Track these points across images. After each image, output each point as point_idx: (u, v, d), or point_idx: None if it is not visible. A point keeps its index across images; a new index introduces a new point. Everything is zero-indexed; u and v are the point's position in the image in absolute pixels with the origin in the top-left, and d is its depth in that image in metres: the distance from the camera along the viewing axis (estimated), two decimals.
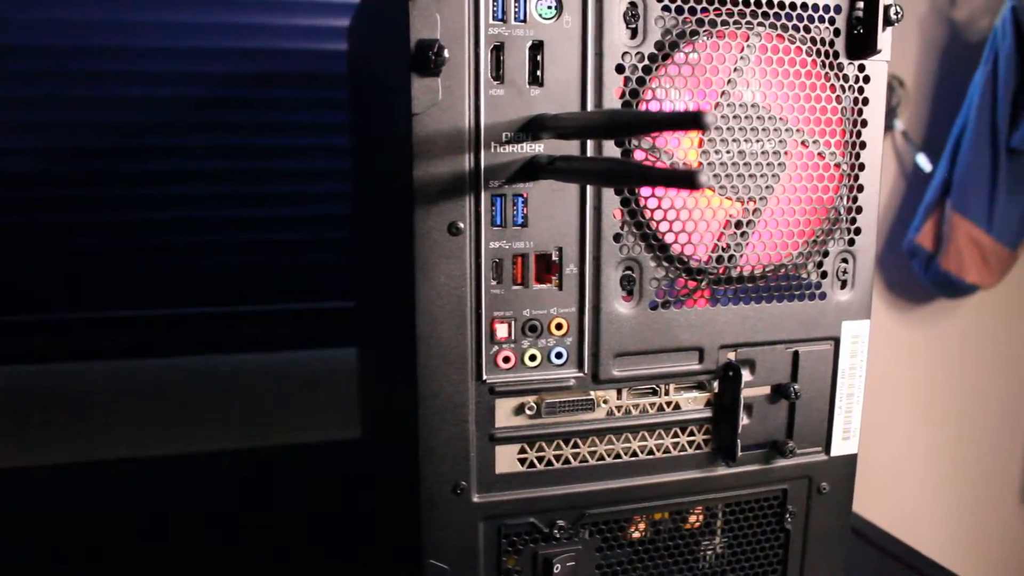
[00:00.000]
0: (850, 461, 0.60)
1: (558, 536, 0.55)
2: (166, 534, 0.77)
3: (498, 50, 0.49)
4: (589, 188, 0.51)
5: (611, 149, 0.51)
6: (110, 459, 0.93)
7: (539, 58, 0.50)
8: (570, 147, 0.50)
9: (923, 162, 1.18)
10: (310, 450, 0.96)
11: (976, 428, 1.31)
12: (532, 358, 0.52)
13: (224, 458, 0.94)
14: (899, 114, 1.18)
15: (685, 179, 0.35)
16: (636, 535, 0.58)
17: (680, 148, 0.52)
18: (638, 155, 0.51)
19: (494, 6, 0.49)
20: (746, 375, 0.56)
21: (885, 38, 0.55)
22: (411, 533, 0.54)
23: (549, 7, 0.50)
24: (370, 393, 0.80)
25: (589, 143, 0.51)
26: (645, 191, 0.52)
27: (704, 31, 0.52)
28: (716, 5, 0.52)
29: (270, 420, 0.99)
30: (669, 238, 0.53)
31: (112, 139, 0.91)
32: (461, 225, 0.50)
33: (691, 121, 0.34)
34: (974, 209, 1.09)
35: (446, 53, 0.47)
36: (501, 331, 0.52)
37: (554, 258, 0.52)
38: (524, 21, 0.49)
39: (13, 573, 0.70)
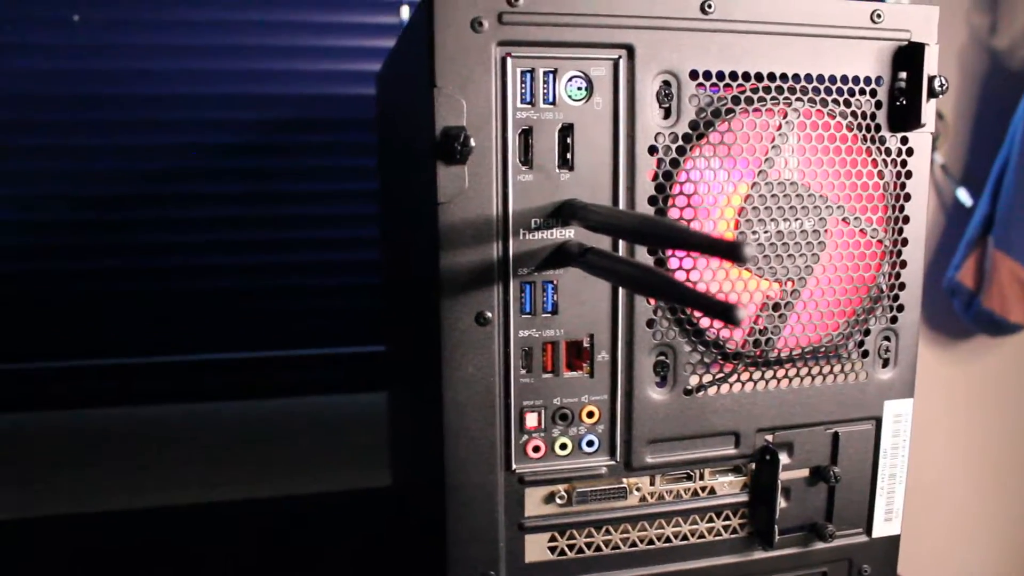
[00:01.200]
0: (892, 542, 0.58)
1: None
2: None
3: (526, 134, 0.48)
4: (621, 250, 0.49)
5: None
6: (134, 508, 0.93)
7: (569, 141, 0.48)
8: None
9: (964, 197, 1.15)
10: (336, 500, 0.95)
11: (1019, 470, 1.27)
12: (563, 447, 0.51)
13: (244, 508, 0.94)
14: (938, 147, 1.15)
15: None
16: None
17: (716, 230, 0.50)
18: None
19: (522, 89, 0.47)
20: (784, 458, 0.54)
21: (929, 110, 0.52)
22: None
23: (579, 88, 0.48)
24: (400, 442, 0.79)
25: None
26: (679, 274, 0.50)
27: (740, 108, 0.50)
28: (753, 81, 0.50)
29: (296, 468, 0.98)
30: (704, 322, 0.51)
31: (136, 186, 0.91)
32: (489, 315, 0.48)
33: (728, 251, 0.32)
34: (1018, 247, 1.05)
35: (472, 142, 0.46)
36: (531, 420, 0.50)
37: (585, 345, 0.50)
38: (553, 104, 0.48)
39: None
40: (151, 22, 0.89)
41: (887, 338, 0.55)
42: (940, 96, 0.52)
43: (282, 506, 0.94)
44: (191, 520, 0.91)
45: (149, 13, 0.89)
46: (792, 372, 0.54)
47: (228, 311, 0.95)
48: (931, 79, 0.52)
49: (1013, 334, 1.15)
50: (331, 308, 0.97)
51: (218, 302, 0.94)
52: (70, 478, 0.94)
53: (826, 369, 0.54)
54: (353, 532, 0.87)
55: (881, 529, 0.58)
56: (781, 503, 0.55)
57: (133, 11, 0.89)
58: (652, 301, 0.50)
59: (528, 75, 0.47)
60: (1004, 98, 1.11)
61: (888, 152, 0.53)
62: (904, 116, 0.53)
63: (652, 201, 0.49)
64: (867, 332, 0.55)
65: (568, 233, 0.49)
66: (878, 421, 0.56)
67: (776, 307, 0.52)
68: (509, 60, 0.47)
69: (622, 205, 0.49)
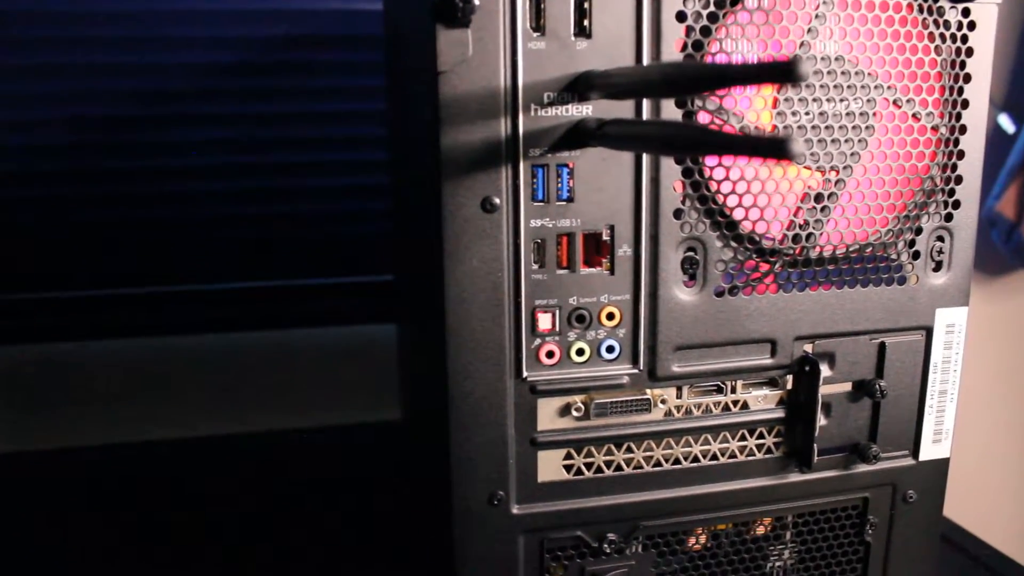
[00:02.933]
0: (941, 466, 0.53)
1: (608, 551, 0.48)
2: (199, 526, 0.72)
3: None
4: (645, 157, 0.44)
5: (670, 112, 0.43)
6: (141, 440, 0.89)
7: (586, 5, 0.43)
8: (622, 109, 0.43)
9: (1006, 123, 1.08)
10: (346, 432, 0.91)
11: None
12: (580, 352, 0.46)
13: (252, 440, 0.90)
14: None
15: (772, 148, 0.27)
16: (696, 547, 0.51)
17: (751, 109, 0.45)
18: (702, 118, 0.44)
19: None
20: (824, 370, 0.49)
21: None
22: (444, 546, 0.48)
23: None
24: (409, 374, 0.74)
25: (645, 105, 0.43)
26: (711, 160, 0.44)
27: None
28: None
29: (305, 399, 0.94)
30: (739, 214, 0.45)
31: (140, 108, 0.86)
32: (497, 201, 0.43)
33: (781, 72, 0.26)
34: None
35: (476, 0, 0.40)
36: (544, 322, 0.45)
37: (605, 237, 0.45)
38: None
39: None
40: None
41: (940, 238, 0.50)
42: None
43: (288, 439, 0.90)
44: (197, 453, 0.87)
45: None
46: (835, 274, 0.48)
47: (234, 238, 0.90)
48: None
49: None
50: (342, 234, 0.91)
51: (223, 229, 0.89)
52: (68, 412, 0.90)
53: (873, 271, 0.49)
54: (361, 467, 0.83)
55: (929, 451, 0.52)
56: (821, 420, 0.49)
57: None
58: (679, 187, 0.44)
59: None
60: None
61: (947, 25, 0.47)
62: None
63: None
64: (919, 231, 0.49)
65: (586, 109, 0.43)
66: (929, 331, 0.51)
67: (819, 198, 0.46)
68: None
69: None
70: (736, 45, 0.44)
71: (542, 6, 0.42)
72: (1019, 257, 1.06)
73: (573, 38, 0.43)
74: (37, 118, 0.85)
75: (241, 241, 0.90)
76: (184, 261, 0.90)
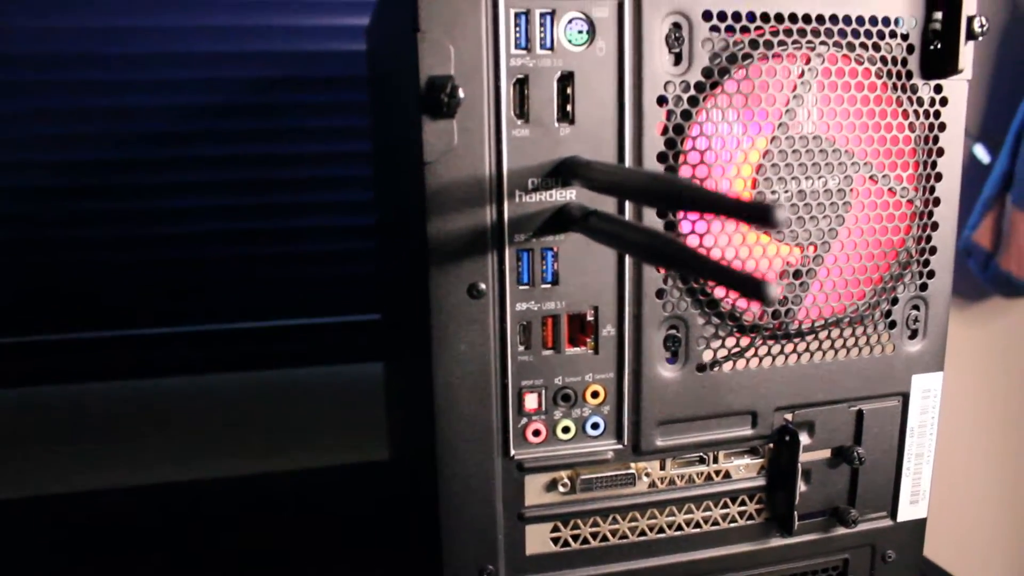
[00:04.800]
0: (918, 526, 0.54)
1: None
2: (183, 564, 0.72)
3: (522, 84, 0.43)
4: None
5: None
6: (128, 486, 0.89)
7: (569, 91, 0.43)
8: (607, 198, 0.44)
9: (981, 154, 1.10)
10: (333, 475, 0.91)
11: None
12: (565, 430, 0.47)
13: (238, 484, 0.90)
14: None
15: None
16: None
17: (731, 190, 0.45)
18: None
19: (516, 33, 0.42)
20: (804, 438, 0.50)
21: (967, 54, 0.47)
22: None
23: (580, 32, 0.43)
24: (396, 415, 0.75)
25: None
26: (692, 239, 0.45)
27: (758, 54, 0.45)
28: (772, 23, 0.45)
29: (292, 442, 0.94)
30: (719, 292, 0.46)
31: (126, 151, 0.85)
32: (483, 286, 0.44)
33: (758, 215, 0.27)
34: None
35: (461, 93, 0.41)
36: (530, 402, 0.46)
37: (589, 318, 0.46)
38: (551, 49, 0.43)
39: None
40: None
41: (916, 307, 0.51)
42: (980, 39, 0.47)
43: (278, 482, 0.90)
44: (185, 498, 0.87)
45: None
46: (814, 345, 0.49)
47: (221, 280, 0.90)
48: (970, 19, 0.47)
49: None
50: (328, 276, 0.91)
51: (210, 271, 0.89)
52: (57, 456, 0.90)
53: (850, 341, 0.50)
54: (351, 509, 0.83)
55: (907, 512, 0.53)
56: (801, 487, 0.50)
57: None
58: (663, 270, 0.45)
59: (523, 17, 0.42)
60: (1023, 51, 1.06)
61: (920, 102, 0.48)
62: (939, 61, 0.48)
63: (662, 157, 0.44)
64: (895, 301, 0.50)
65: (569, 194, 0.44)
66: (905, 397, 0.52)
67: (797, 275, 0.47)
68: (501, 1, 0.42)
69: (628, 162, 0.44)
70: (716, 129, 0.45)
71: (526, 94, 0.43)
72: (996, 285, 1.08)
73: (556, 124, 0.43)
74: (25, 161, 0.85)
75: (229, 282, 0.90)
76: (171, 303, 0.89)
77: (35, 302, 0.87)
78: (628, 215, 0.44)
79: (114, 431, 0.91)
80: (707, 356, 0.47)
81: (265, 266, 0.90)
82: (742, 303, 0.47)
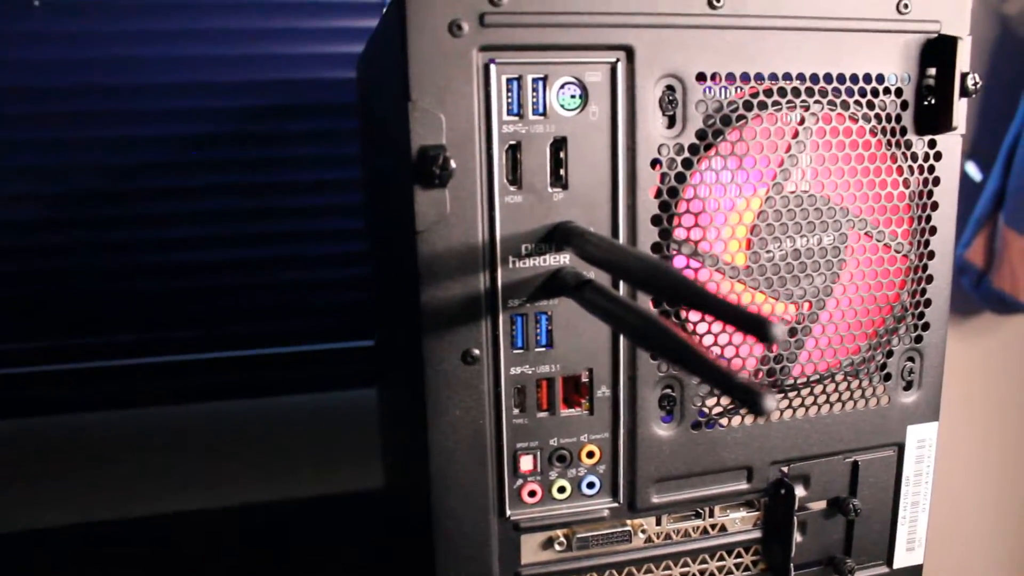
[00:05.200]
0: (914, 572, 0.54)
1: None
2: None
3: (514, 150, 0.43)
4: (621, 290, 0.44)
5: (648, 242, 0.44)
6: (121, 518, 0.89)
7: (562, 156, 0.43)
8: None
9: (973, 171, 1.10)
10: (328, 504, 0.91)
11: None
12: (561, 490, 0.46)
13: (232, 515, 0.90)
14: None
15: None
16: None
17: (726, 251, 0.45)
18: (678, 261, 0.45)
19: (508, 99, 0.42)
20: (800, 491, 0.50)
21: (961, 110, 0.47)
22: None
23: (573, 97, 0.43)
24: (391, 442, 0.74)
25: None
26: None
27: (752, 114, 0.45)
28: (766, 82, 0.45)
29: (287, 470, 0.94)
30: (714, 351, 0.46)
31: (119, 181, 0.84)
32: (477, 352, 0.43)
33: (755, 327, 0.27)
34: None
35: (453, 164, 0.41)
36: (525, 463, 0.46)
37: (584, 380, 0.46)
38: (544, 115, 0.43)
39: None
40: (119, 6, 0.82)
41: (911, 359, 0.51)
42: (973, 96, 0.47)
43: (273, 512, 0.90)
44: (181, 527, 0.87)
45: None
46: (808, 400, 0.49)
47: (212, 309, 0.89)
48: (964, 76, 0.46)
49: (1023, 313, 1.11)
50: (319, 303, 0.91)
51: (202, 299, 0.89)
52: (47, 488, 0.90)
53: (845, 395, 0.50)
54: (347, 540, 0.83)
55: (903, 559, 0.54)
56: (797, 538, 0.50)
57: None
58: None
59: (515, 83, 0.42)
60: (1015, 67, 1.06)
61: (914, 157, 0.48)
62: (933, 117, 0.48)
63: (656, 220, 0.44)
64: (890, 353, 0.50)
65: (563, 258, 0.44)
66: (900, 447, 0.52)
67: (792, 332, 0.47)
68: (493, 67, 0.41)
69: (622, 226, 0.44)
70: (710, 190, 0.45)
71: (519, 160, 0.43)
72: (988, 303, 1.08)
73: (549, 189, 0.43)
74: (19, 192, 0.84)
75: (221, 310, 0.89)
76: (166, 332, 0.89)
77: (30, 332, 0.86)
78: (623, 288, 0.44)
79: (108, 460, 0.90)
80: (702, 414, 0.47)
81: (260, 294, 0.89)
82: (737, 362, 0.47)
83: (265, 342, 0.90)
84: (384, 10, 0.84)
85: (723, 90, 0.45)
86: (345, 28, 0.86)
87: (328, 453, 0.94)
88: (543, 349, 0.45)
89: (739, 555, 0.51)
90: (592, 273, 0.43)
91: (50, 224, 0.84)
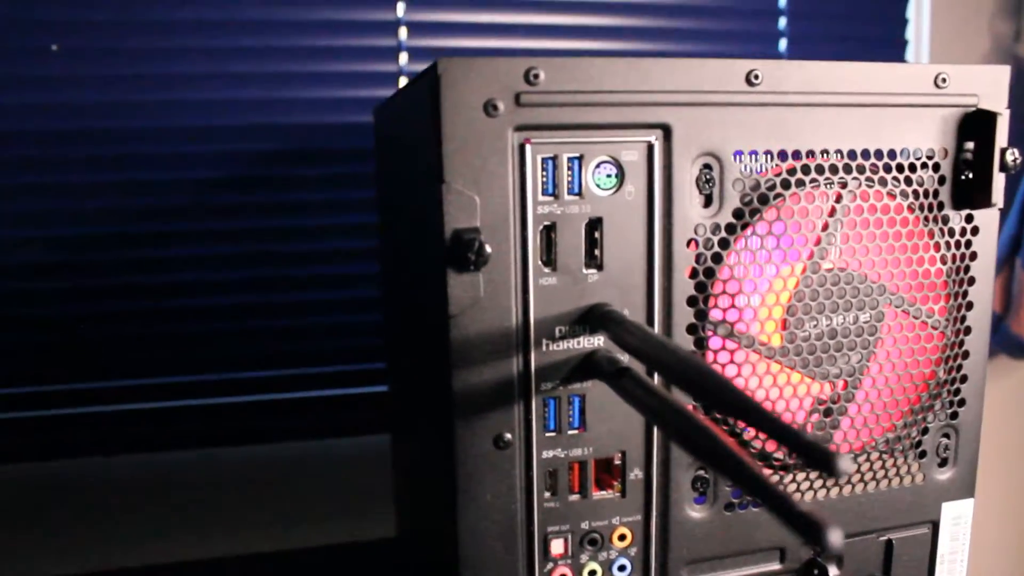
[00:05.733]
0: None
1: None
2: None
3: (549, 230, 0.42)
4: (656, 379, 0.43)
5: (681, 329, 0.43)
6: (129, 567, 0.87)
7: (597, 236, 0.42)
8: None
9: None
10: (338, 554, 0.90)
11: None
12: (592, 573, 0.45)
13: (237, 565, 0.88)
14: None
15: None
16: None
17: (762, 331, 0.44)
18: (713, 341, 0.44)
19: (544, 179, 0.41)
20: (833, 571, 0.49)
21: (999, 186, 0.46)
22: None
23: (609, 176, 0.42)
24: (405, 491, 0.73)
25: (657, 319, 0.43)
26: (715, 365, 0.44)
27: (790, 192, 0.44)
28: (804, 160, 0.44)
29: (297, 518, 0.92)
30: (748, 432, 0.45)
31: (132, 225, 0.83)
32: (509, 437, 0.42)
33: (817, 459, 0.26)
34: None
35: (488, 249, 0.40)
36: (556, 547, 0.45)
37: (616, 462, 0.45)
38: (579, 195, 0.42)
39: None
40: (135, 51, 0.81)
41: (946, 435, 0.50)
42: (1012, 172, 0.46)
43: (283, 561, 0.88)
44: None
45: (133, 41, 0.81)
46: (843, 479, 0.48)
47: (227, 353, 0.88)
48: (1003, 151, 0.46)
49: None
50: (336, 348, 0.90)
51: (216, 344, 0.87)
52: (53, 535, 0.88)
53: (879, 473, 0.49)
54: None
55: None
56: None
57: (115, 40, 0.80)
58: (691, 410, 0.44)
59: (550, 162, 0.41)
60: None
61: (951, 232, 0.47)
62: (971, 192, 0.47)
63: (691, 301, 0.43)
64: (925, 430, 0.49)
65: (597, 340, 0.43)
66: (935, 525, 0.51)
67: (828, 412, 0.46)
68: (528, 147, 0.41)
69: (658, 307, 0.43)
70: (746, 270, 0.44)
71: (553, 239, 0.42)
72: (1005, 348, 1.08)
73: (584, 271, 0.42)
74: (33, 237, 0.83)
75: (237, 356, 0.88)
76: (177, 376, 0.88)
77: (40, 375, 0.85)
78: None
79: (114, 507, 0.89)
80: (736, 495, 0.46)
81: (273, 339, 0.88)
82: (771, 444, 0.46)
83: (276, 387, 0.89)
84: (407, 80, 0.84)
85: (760, 168, 0.44)
86: (361, 72, 0.85)
87: (341, 500, 0.93)
88: (576, 432, 0.44)
89: None
90: (627, 356, 0.42)
91: (68, 267, 0.83)
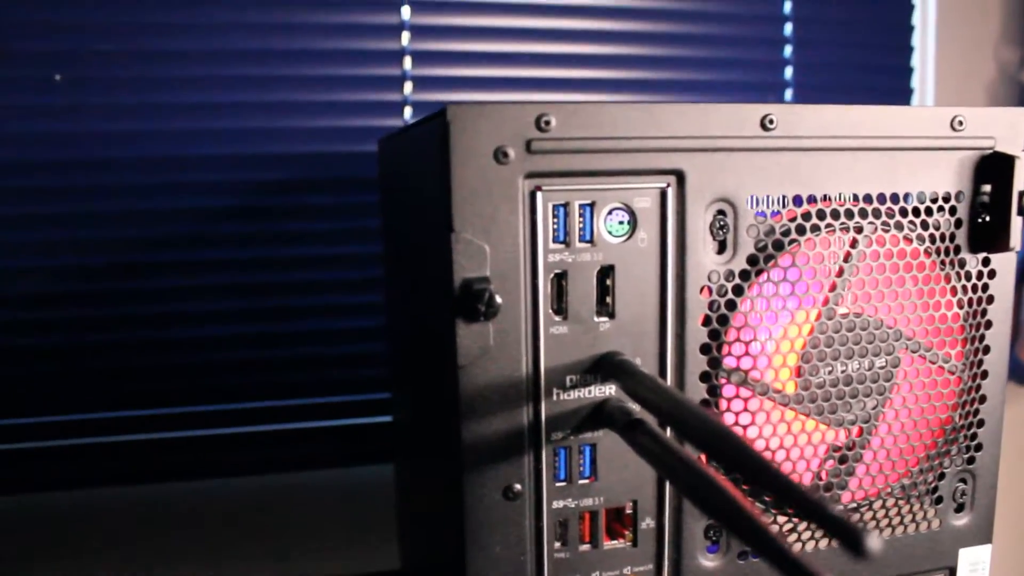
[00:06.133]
0: None
1: None
2: None
3: (560, 278, 0.41)
4: (669, 431, 0.43)
5: (693, 379, 0.42)
6: None
7: (609, 284, 0.42)
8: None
9: None
10: None
11: None
12: None
13: None
14: None
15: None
16: None
17: (777, 379, 0.44)
18: (727, 390, 0.43)
19: (555, 227, 0.40)
20: None
21: (1017, 229, 0.46)
22: None
23: (621, 223, 0.41)
24: (409, 521, 0.72)
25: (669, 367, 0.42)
26: (729, 416, 0.43)
27: (805, 237, 0.43)
28: (819, 204, 0.43)
29: (300, 548, 0.91)
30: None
31: (133, 255, 0.82)
32: (519, 487, 0.41)
33: (846, 537, 0.25)
34: None
35: (499, 300, 0.39)
36: None
37: (628, 511, 0.44)
38: (591, 242, 0.41)
39: None
40: (138, 80, 0.80)
41: (963, 480, 0.49)
42: None
43: None
44: None
45: (136, 71, 0.80)
46: (858, 523, 0.47)
47: (229, 384, 0.87)
48: (1021, 194, 0.45)
49: None
50: (340, 378, 0.89)
51: (218, 374, 0.86)
52: (48, 567, 0.87)
53: (895, 519, 0.48)
54: None
55: None
56: None
57: (118, 69, 0.80)
58: (703, 459, 0.43)
59: (561, 209, 0.40)
60: None
61: (968, 276, 0.47)
62: (988, 235, 0.46)
63: (705, 349, 0.43)
64: (941, 476, 0.48)
65: (608, 390, 0.42)
66: (952, 571, 0.50)
67: (843, 459, 0.45)
68: (539, 194, 0.40)
69: (670, 355, 0.42)
70: (760, 318, 0.43)
71: (564, 287, 0.41)
72: (1014, 375, 1.06)
73: (596, 319, 0.41)
74: (35, 267, 0.82)
75: (237, 385, 0.87)
76: (179, 407, 0.87)
77: (40, 406, 0.84)
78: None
79: (114, 538, 0.88)
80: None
81: (274, 370, 0.87)
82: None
83: (278, 418, 0.88)
84: (411, 108, 0.84)
85: (775, 213, 0.43)
86: (366, 102, 0.84)
87: (343, 531, 0.92)
88: (586, 481, 0.43)
89: None
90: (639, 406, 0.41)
91: (69, 297, 0.82)
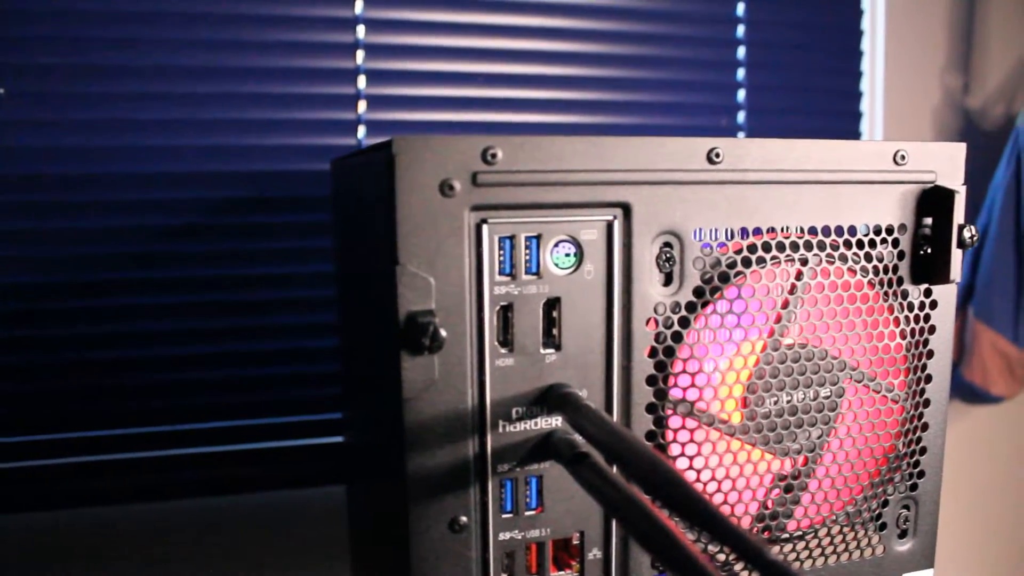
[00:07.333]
0: None
1: None
2: None
3: (506, 311, 0.41)
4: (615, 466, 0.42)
5: (640, 412, 0.42)
6: None
7: (555, 316, 0.41)
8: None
9: None
10: None
11: (991, 533, 1.24)
12: None
13: None
14: None
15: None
16: None
17: (723, 410, 0.44)
18: (673, 421, 0.43)
19: (500, 259, 0.40)
20: None
21: (957, 262, 0.46)
22: None
23: (567, 255, 0.41)
24: (361, 544, 0.71)
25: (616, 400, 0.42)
26: (681, 462, 0.43)
27: (751, 269, 0.43)
28: (764, 236, 0.44)
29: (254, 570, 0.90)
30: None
31: (89, 273, 0.81)
32: (464, 520, 0.41)
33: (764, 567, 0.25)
34: (999, 318, 1.01)
35: (443, 334, 0.39)
36: None
37: (575, 542, 0.43)
38: (537, 274, 0.41)
39: None
40: (88, 95, 0.79)
41: (906, 507, 0.50)
42: (970, 248, 0.46)
43: None
44: None
45: (85, 86, 0.79)
46: (803, 552, 0.48)
47: (185, 404, 0.85)
48: (960, 228, 0.46)
49: (993, 404, 1.11)
50: (296, 398, 0.88)
51: (175, 394, 0.85)
52: None
53: (840, 546, 0.48)
54: None
55: None
56: None
57: (66, 84, 0.78)
58: None
59: (507, 242, 0.40)
60: (979, 160, 1.07)
61: (910, 307, 0.47)
62: (929, 267, 0.47)
63: (651, 380, 0.43)
64: (885, 503, 0.49)
65: (555, 421, 0.42)
66: None
67: (789, 488, 0.46)
68: (485, 227, 0.40)
69: (616, 387, 0.42)
70: (706, 349, 0.43)
71: (510, 320, 0.41)
72: (959, 393, 1.09)
73: (542, 351, 0.41)
74: None
75: (195, 406, 0.86)
76: (136, 427, 0.85)
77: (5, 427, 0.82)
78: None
79: (83, 559, 0.86)
80: None
81: (231, 390, 0.86)
82: (733, 519, 0.45)
83: (234, 438, 0.87)
84: (365, 128, 0.83)
85: (721, 245, 0.43)
86: (319, 120, 0.84)
87: (297, 552, 0.90)
88: (533, 513, 0.43)
89: None
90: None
91: (23, 315, 0.80)
